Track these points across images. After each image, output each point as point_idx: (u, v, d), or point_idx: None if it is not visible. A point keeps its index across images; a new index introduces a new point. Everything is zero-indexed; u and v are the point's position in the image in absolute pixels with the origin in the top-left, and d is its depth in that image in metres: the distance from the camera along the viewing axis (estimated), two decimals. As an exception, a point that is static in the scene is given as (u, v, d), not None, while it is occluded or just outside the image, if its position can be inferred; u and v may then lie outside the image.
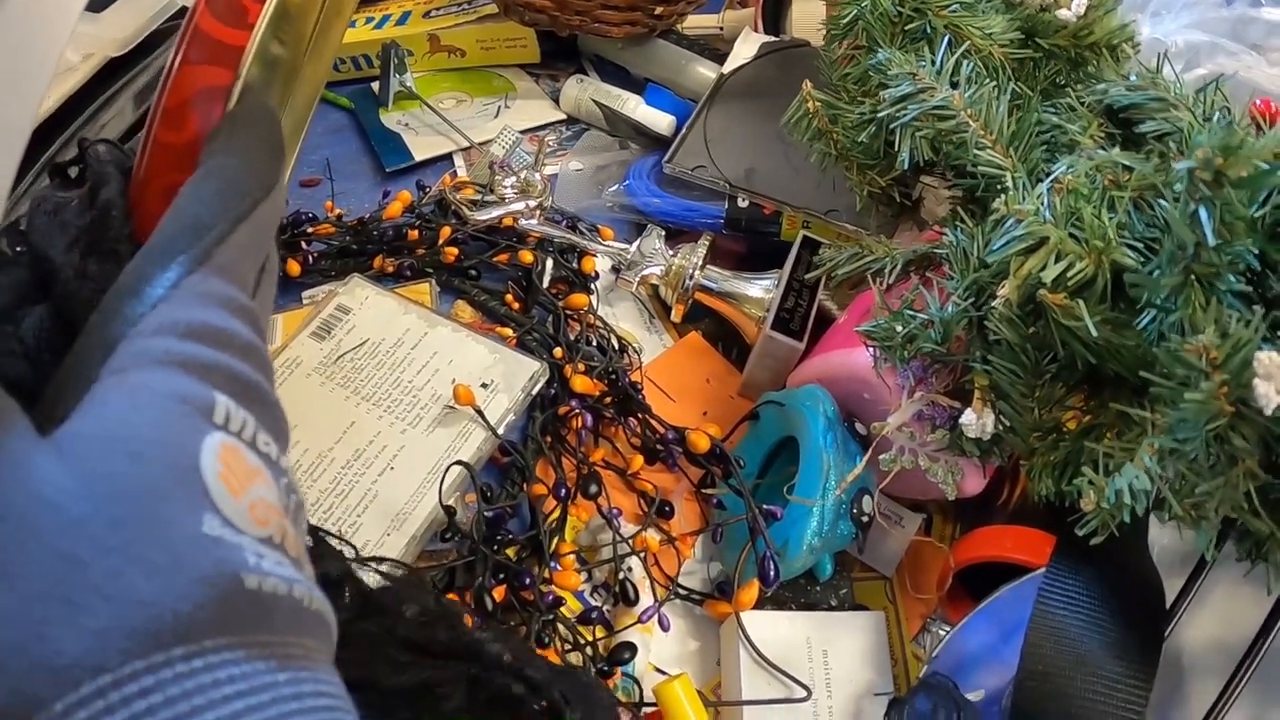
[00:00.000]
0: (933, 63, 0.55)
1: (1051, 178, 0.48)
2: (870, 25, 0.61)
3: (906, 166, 0.56)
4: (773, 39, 0.85)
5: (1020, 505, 0.59)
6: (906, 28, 0.60)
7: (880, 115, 0.56)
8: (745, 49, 0.83)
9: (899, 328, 0.52)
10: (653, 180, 0.77)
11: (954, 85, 0.54)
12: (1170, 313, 0.41)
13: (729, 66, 0.82)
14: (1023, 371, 0.48)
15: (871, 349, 0.54)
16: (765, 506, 0.56)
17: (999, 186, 0.52)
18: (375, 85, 0.92)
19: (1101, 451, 0.44)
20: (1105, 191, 0.48)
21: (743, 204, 0.73)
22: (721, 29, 0.93)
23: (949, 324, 0.50)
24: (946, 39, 0.57)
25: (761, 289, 0.67)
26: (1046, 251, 0.45)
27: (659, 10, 0.86)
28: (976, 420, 0.50)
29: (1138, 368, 0.43)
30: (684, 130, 0.77)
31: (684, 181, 0.75)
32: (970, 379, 0.51)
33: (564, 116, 0.89)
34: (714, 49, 0.91)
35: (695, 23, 0.93)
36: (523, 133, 0.85)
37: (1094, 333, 0.43)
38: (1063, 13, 0.59)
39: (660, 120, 0.83)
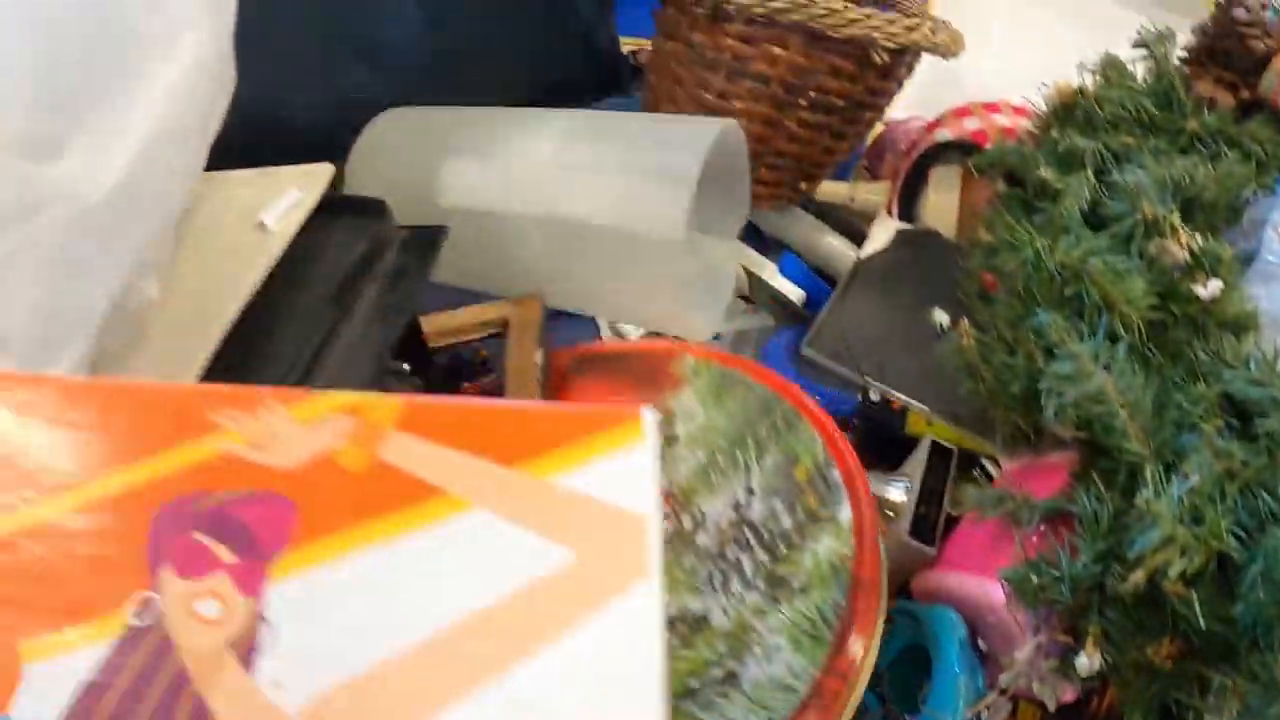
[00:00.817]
0: (1087, 335, 0.65)
1: (1188, 486, 0.57)
2: (1030, 278, 0.70)
3: (1049, 421, 0.65)
4: (907, 226, 0.94)
5: (1108, 712, 0.69)
6: (1065, 292, 0.69)
7: (1041, 387, 0.65)
8: (881, 233, 0.93)
9: (1034, 578, 0.62)
10: (789, 358, 0.86)
11: (1106, 369, 0.64)
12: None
13: (865, 250, 0.92)
14: (1135, 630, 0.59)
15: (1006, 588, 0.64)
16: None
17: (1133, 468, 0.61)
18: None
19: (1191, 703, 0.55)
20: (1220, 481, 0.58)
21: (875, 397, 0.83)
22: (852, 200, 1.02)
23: (1078, 581, 0.60)
24: (1103, 319, 0.66)
25: (896, 491, 0.76)
26: (1175, 550, 0.55)
27: (803, 185, 0.96)
28: (1088, 661, 0.60)
29: (1234, 640, 0.53)
30: (822, 314, 0.86)
31: (818, 363, 0.84)
32: (1085, 625, 0.61)
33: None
34: (844, 220, 1.00)
35: (826, 189, 1.02)
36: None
37: (1202, 624, 0.53)
38: (1199, 288, 0.68)
39: (794, 291, 0.93)
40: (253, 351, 0.63)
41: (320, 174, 0.73)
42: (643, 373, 0.73)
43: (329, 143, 0.97)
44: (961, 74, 1.15)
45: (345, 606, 0.36)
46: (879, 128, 1.11)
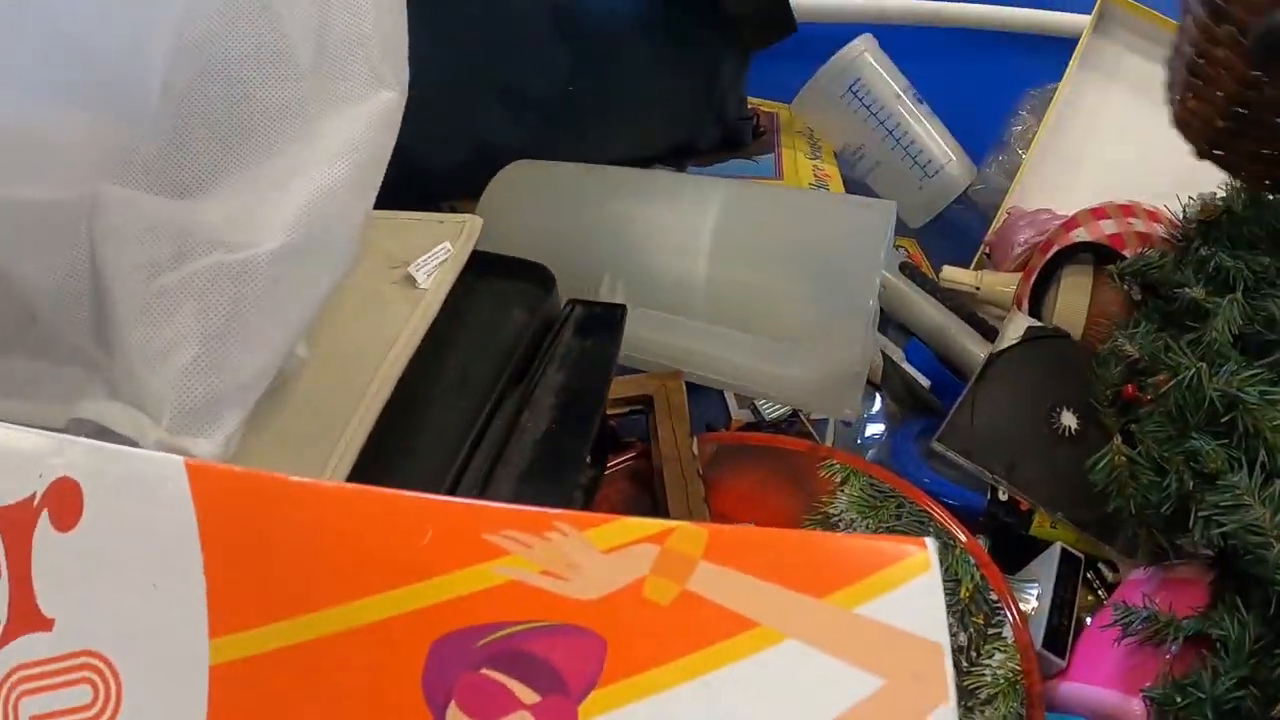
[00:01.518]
0: (1243, 463, 0.66)
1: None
2: (1184, 402, 0.72)
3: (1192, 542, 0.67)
4: (1037, 323, 0.96)
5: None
6: (1221, 420, 0.70)
7: (1197, 514, 0.67)
8: (1013, 329, 0.95)
9: (1178, 698, 0.64)
10: (918, 450, 0.88)
11: (1264, 502, 0.66)
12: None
13: (998, 346, 0.94)
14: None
15: (1148, 705, 0.65)
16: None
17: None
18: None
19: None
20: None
21: (1003, 497, 0.84)
22: (978, 288, 1.04)
23: (1220, 704, 0.62)
24: (1260, 449, 0.68)
25: (1028, 600, 0.78)
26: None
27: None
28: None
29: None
30: (954, 408, 0.88)
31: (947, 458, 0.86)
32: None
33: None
34: (968, 310, 1.02)
35: (952, 274, 1.04)
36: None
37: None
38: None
39: (922, 381, 0.94)
40: (408, 426, 0.63)
41: (470, 226, 0.73)
42: (791, 472, 0.74)
43: (461, 185, 1.01)
44: (1084, 164, 1.18)
45: None
46: (1003, 215, 1.12)
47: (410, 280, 0.68)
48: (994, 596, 0.73)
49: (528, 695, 0.37)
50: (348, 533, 0.40)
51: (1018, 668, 0.61)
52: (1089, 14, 1.19)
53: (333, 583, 0.39)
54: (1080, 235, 0.98)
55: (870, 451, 0.91)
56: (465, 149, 0.98)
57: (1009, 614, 0.65)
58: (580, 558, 0.38)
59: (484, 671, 0.37)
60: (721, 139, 1.15)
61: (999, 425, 0.89)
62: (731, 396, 0.96)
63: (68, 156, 0.54)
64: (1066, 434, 0.86)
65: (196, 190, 0.55)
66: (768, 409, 0.90)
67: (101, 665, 0.40)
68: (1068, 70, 1.14)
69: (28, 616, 0.41)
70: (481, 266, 0.71)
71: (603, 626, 0.37)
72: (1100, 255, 0.97)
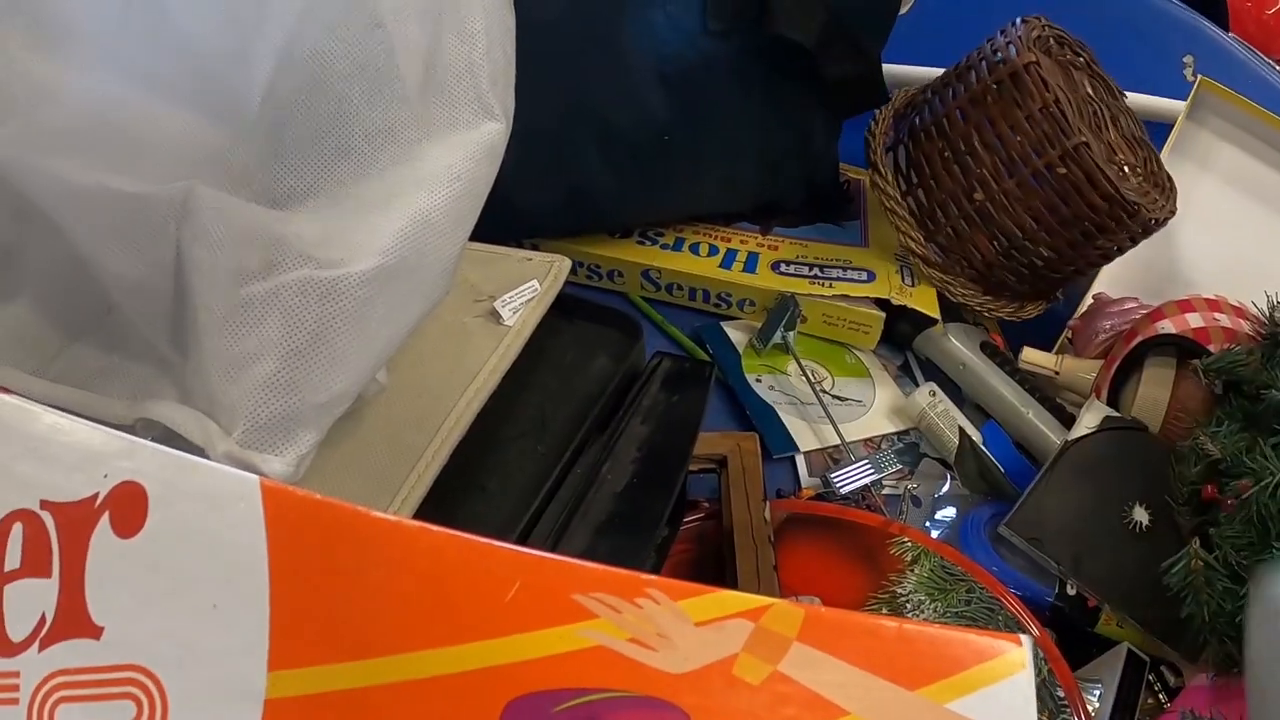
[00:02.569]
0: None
1: None
2: (1266, 509, 0.71)
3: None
4: (1114, 413, 0.95)
5: None
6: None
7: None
8: (1089, 418, 0.94)
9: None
10: (986, 536, 0.87)
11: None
12: None
13: (1074, 433, 0.93)
14: None
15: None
16: None
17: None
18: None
19: None
20: None
21: (1071, 591, 0.84)
22: (1057, 372, 1.03)
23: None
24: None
25: (1091, 699, 0.77)
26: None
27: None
28: None
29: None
30: (1025, 495, 0.87)
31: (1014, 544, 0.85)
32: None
33: (901, 427, 1.00)
34: (1047, 394, 1.02)
35: (1033, 358, 1.04)
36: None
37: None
38: None
39: (996, 465, 0.94)
40: (483, 465, 0.62)
41: (559, 267, 0.73)
42: (860, 546, 0.74)
43: (548, 225, 1.04)
44: (1172, 253, 1.17)
45: None
46: (1089, 300, 1.12)
47: (495, 315, 0.68)
48: (1060, 694, 0.73)
49: None
50: (428, 577, 0.39)
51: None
52: (1184, 99, 1.19)
53: (406, 628, 0.38)
54: (1165, 327, 0.97)
55: (936, 533, 0.90)
56: (557, 189, 0.99)
57: (1076, 715, 0.65)
58: (671, 628, 0.37)
59: None
60: (810, 201, 1.16)
61: (1069, 515, 0.88)
62: (803, 464, 0.96)
63: (164, 152, 0.56)
64: (1138, 529, 0.85)
65: (290, 202, 0.56)
66: (840, 481, 0.90)
67: (148, 682, 0.39)
68: (1160, 156, 1.13)
69: (76, 621, 0.40)
70: (567, 308, 0.71)
71: (688, 702, 0.36)
72: (1184, 349, 0.96)
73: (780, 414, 0.99)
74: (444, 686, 0.37)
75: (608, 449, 0.64)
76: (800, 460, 0.96)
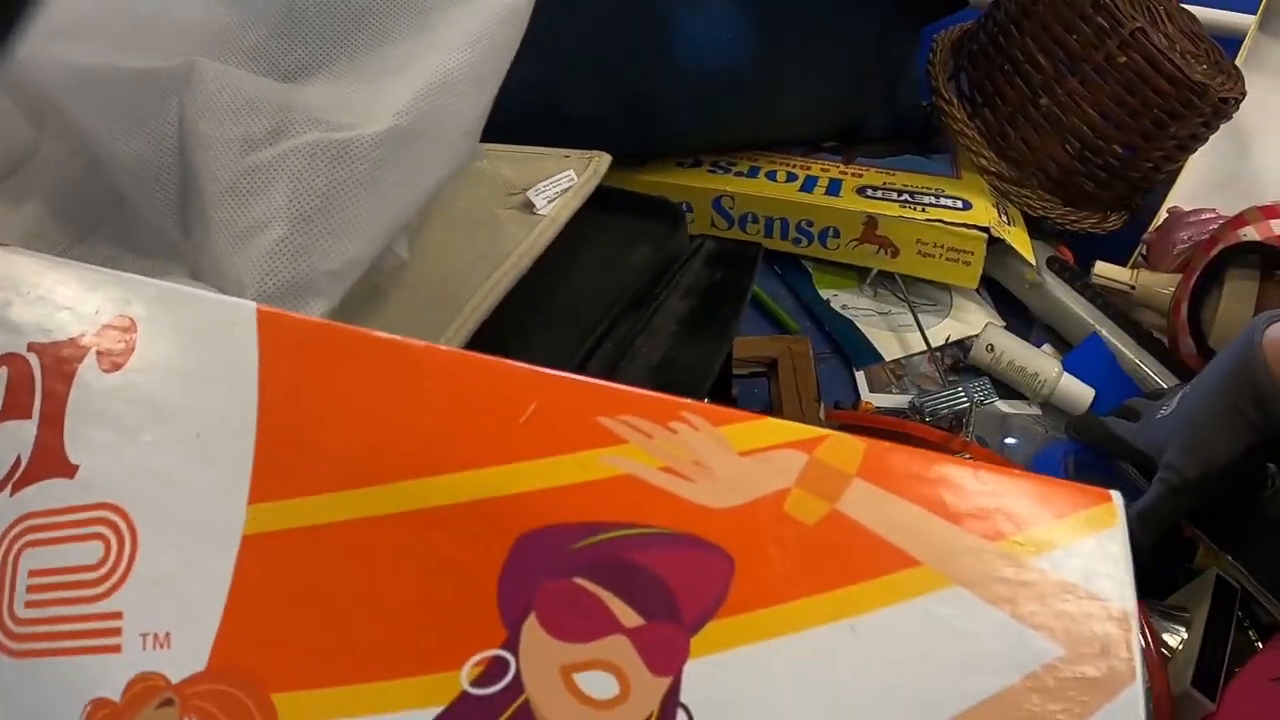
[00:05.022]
0: None
1: None
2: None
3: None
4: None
5: None
6: None
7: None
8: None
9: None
10: (1064, 471, 0.83)
11: None
12: None
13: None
14: None
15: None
16: None
17: None
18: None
19: None
20: None
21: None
22: (1133, 287, 0.99)
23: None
24: None
25: (1175, 633, 0.72)
26: None
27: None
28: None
29: None
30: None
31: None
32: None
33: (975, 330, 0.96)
34: (1120, 310, 0.97)
35: (1107, 270, 0.99)
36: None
37: None
38: None
39: (1081, 397, 0.89)
40: (506, 350, 0.61)
41: (599, 161, 0.71)
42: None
43: (607, 139, 0.97)
44: (1247, 164, 1.15)
45: (792, 700, 0.30)
46: (1163, 214, 1.08)
47: (528, 205, 0.65)
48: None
49: (628, 616, 0.31)
50: (433, 399, 0.35)
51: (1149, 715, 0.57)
52: (1254, 13, 1.18)
53: (405, 454, 0.34)
54: (1248, 234, 0.93)
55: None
56: (615, 98, 0.94)
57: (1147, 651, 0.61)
58: (711, 457, 0.33)
59: (576, 580, 0.32)
60: (892, 126, 1.12)
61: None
62: (863, 378, 0.93)
63: (175, 32, 0.55)
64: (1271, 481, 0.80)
65: (303, 75, 0.56)
66: (931, 405, 0.87)
67: (119, 520, 0.36)
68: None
69: (51, 461, 0.38)
70: (609, 202, 0.68)
71: (732, 543, 0.32)
72: (1269, 258, 0.91)
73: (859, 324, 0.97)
74: (443, 518, 0.33)
75: (643, 323, 0.61)
76: (860, 376, 0.93)
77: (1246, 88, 1.01)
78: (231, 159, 0.51)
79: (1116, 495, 0.33)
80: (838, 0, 0.97)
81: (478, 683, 0.31)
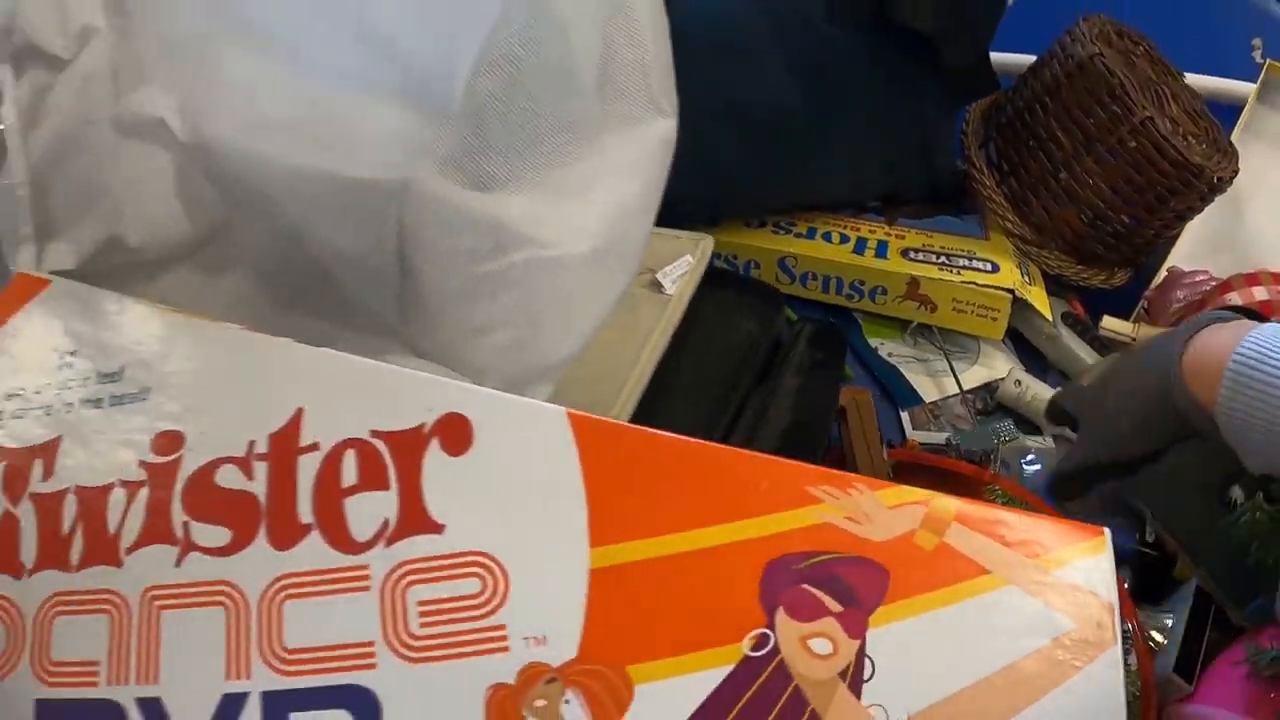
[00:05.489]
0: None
1: None
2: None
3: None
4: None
5: None
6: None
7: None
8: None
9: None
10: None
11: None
12: None
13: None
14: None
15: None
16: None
17: None
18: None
19: None
20: None
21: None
22: (1134, 339, 1.14)
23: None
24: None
25: (1162, 628, 0.88)
26: None
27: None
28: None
29: None
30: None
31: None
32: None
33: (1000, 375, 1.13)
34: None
35: (1111, 325, 1.15)
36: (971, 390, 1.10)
37: None
38: None
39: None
40: (663, 411, 0.74)
41: (706, 244, 0.85)
42: (957, 493, 0.86)
43: (693, 214, 1.10)
44: (1242, 230, 1.29)
45: (926, 651, 0.49)
46: (1163, 273, 1.22)
47: (657, 285, 0.79)
48: (1127, 626, 0.85)
49: (834, 606, 0.50)
50: (703, 475, 0.53)
51: (1136, 693, 0.76)
52: (1254, 82, 1.29)
53: (687, 513, 0.52)
54: (1233, 299, 1.08)
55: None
56: (701, 177, 1.01)
57: (1135, 645, 0.79)
58: (872, 510, 0.52)
59: (804, 586, 0.51)
60: (930, 190, 1.26)
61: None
62: (907, 417, 1.10)
63: (375, 141, 0.61)
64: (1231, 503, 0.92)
65: (493, 188, 0.62)
66: (940, 433, 1.04)
67: (490, 563, 0.51)
68: (1231, 136, 1.23)
69: (418, 521, 0.52)
70: (713, 281, 0.85)
71: (886, 561, 0.51)
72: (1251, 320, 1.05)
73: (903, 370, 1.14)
74: (721, 552, 0.51)
75: (770, 395, 0.79)
76: (905, 415, 1.10)
77: (1243, 155, 1.17)
78: (460, 267, 0.60)
79: (1107, 531, 0.53)
80: (882, 83, 1.11)
81: (753, 649, 0.49)
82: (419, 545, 0.51)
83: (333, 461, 0.53)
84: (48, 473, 0.55)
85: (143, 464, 0.55)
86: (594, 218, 0.63)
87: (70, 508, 0.54)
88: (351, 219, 0.61)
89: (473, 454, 0.53)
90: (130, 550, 0.53)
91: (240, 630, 0.50)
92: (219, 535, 0.52)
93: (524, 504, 0.53)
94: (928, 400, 1.11)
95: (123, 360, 0.58)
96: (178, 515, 0.53)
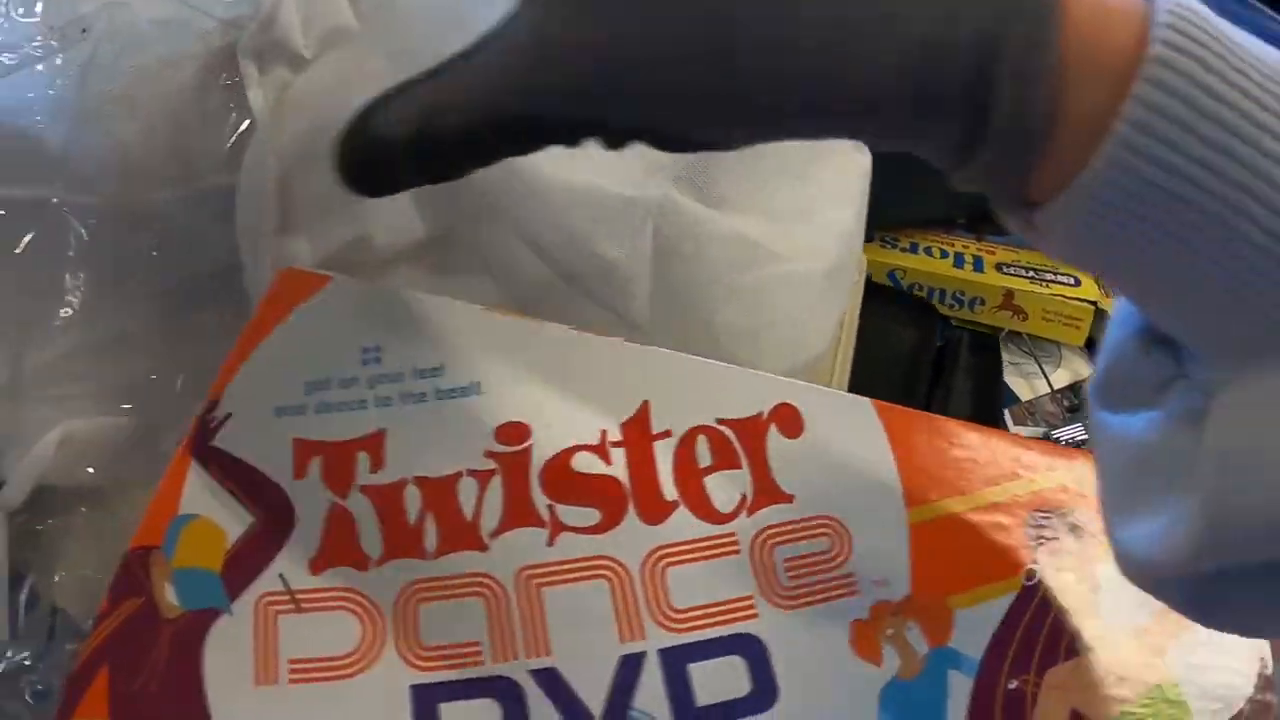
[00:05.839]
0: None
1: None
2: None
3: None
4: None
5: None
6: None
7: None
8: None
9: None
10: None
11: None
12: None
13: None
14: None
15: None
16: None
17: None
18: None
19: None
20: None
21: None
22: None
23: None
24: None
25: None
26: None
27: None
28: None
29: None
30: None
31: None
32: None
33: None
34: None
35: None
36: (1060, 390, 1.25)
37: None
38: None
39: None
40: None
41: (863, 260, 0.93)
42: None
43: None
44: None
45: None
46: None
47: None
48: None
49: (1073, 546, 0.57)
50: (977, 448, 0.59)
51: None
52: None
53: (971, 477, 0.59)
54: None
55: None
56: None
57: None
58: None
59: (1051, 530, 0.58)
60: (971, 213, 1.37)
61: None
62: (1008, 415, 1.22)
63: (623, 156, 0.62)
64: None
65: (724, 206, 0.67)
66: (1058, 435, 1.18)
67: (836, 524, 0.57)
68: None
69: (771, 493, 0.58)
70: (870, 294, 0.98)
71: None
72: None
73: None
74: (999, 508, 0.58)
75: (949, 391, 0.97)
76: (1006, 413, 1.22)
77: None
78: (721, 274, 0.65)
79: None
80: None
81: (1027, 579, 0.56)
82: (775, 513, 0.58)
83: (687, 445, 0.59)
84: (376, 464, 0.57)
85: (490, 454, 0.58)
86: (825, 239, 0.70)
87: (413, 498, 0.56)
88: (609, 231, 0.64)
89: (805, 437, 0.59)
90: (495, 535, 0.56)
91: (628, 597, 0.55)
92: (588, 515, 0.57)
93: (852, 475, 0.59)
94: (1022, 399, 1.25)
95: (441, 356, 0.59)
96: (539, 499, 0.57)
